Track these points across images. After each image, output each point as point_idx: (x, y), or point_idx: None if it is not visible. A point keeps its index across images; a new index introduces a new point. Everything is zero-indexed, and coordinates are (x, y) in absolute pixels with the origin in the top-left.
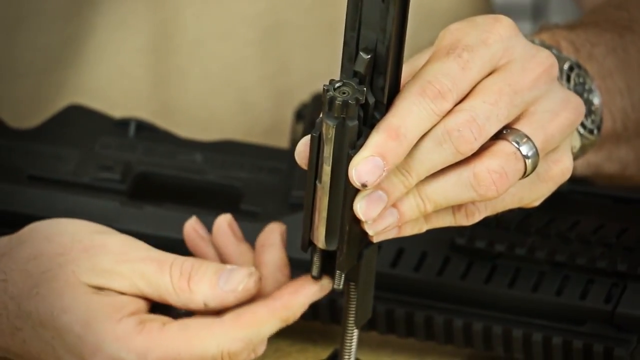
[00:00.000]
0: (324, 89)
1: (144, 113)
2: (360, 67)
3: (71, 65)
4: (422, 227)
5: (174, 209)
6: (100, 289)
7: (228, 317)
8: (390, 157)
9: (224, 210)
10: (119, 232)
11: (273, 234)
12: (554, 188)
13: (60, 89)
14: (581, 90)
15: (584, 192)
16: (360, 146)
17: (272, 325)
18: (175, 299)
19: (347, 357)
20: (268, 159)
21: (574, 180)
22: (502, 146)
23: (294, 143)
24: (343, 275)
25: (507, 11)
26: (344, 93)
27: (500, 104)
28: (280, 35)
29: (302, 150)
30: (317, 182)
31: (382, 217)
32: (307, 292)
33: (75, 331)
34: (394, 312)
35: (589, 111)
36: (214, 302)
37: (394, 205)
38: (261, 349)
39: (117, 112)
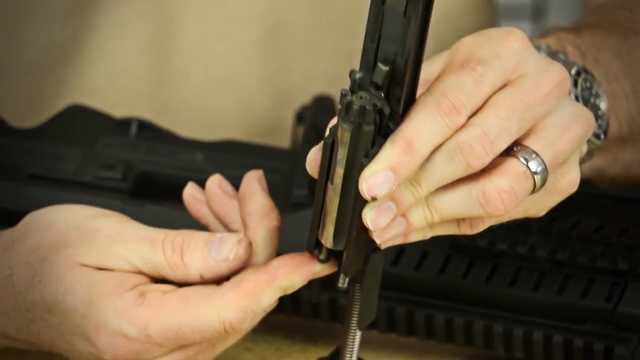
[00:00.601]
0: (341, 92)
1: (145, 112)
2: (378, 78)
3: (72, 65)
4: (426, 235)
5: (175, 208)
6: (99, 269)
7: (227, 287)
8: (402, 171)
9: None
10: (112, 212)
11: (251, 183)
12: (560, 200)
13: (61, 88)
14: (588, 95)
15: (585, 193)
16: (374, 155)
17: (272, 294)
18: (171, 274)
19: (348, 357)
20: (269, 158)
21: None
22: (512, 165)
23: (295, 144)
24: (347, 278)
25: (508, 11)
26: (361, 98)
27: (512, 119)
28: (281, 35)
29: (312, 160)
30: (328, 183)
31: (390, 226)
32: (310, 268)
33: (79, 311)
34: (394, 310)
35: (596, 116)
36: (209, 274)
37: (402, 215)
38: (268, 308)
39: (118, 111)
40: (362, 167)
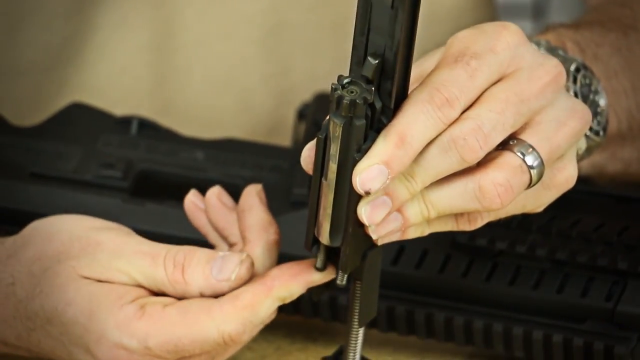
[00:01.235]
0: (332, 87)
1: (145, 111)
2: (368, 72)
3: (73, 64)
4: (424, 231)
5: (175, 206)
6: (100, 282)
7: (226, 299)
8: (395, 165)
9: None
10: (116, 225)
11: (250, 197)
12: (558, 195)
13: (62, 87)
14: (587, 91)
15: (585, 191)
16: (366, 150)
17: (270, 305)
18: (171, 290)
19: (352, 355)
20: (269, 157)
21: (577, 180)
22: (508, 158)
23: (296, 142)
24: (346, 275)
25: (508, 10)
26: (351, 92)
27: (506, 112)
28: (283, 34)
29: (307, 156)
30: (322, 179)
31: (386, 221)
32: (308, 277)
33: (80, 322)
34: (394, 309)
35: (595, 113)
36: (208, 292)
37: (398, 210)
38: (267, 320)
39: (119, 110)
40: (355, 162)
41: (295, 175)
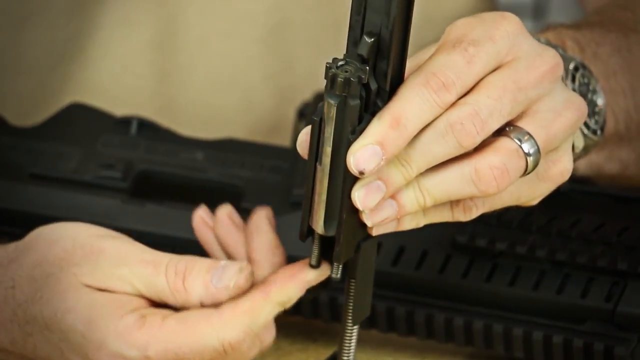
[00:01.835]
0: (326, 66)
1: (148, 110)
2: (363, 50)
3: (75, 62)
4: (420, 222)
5: (175, 207)
6: (101, 290)
7: (226, 307)
8: (390, 146)
9: None
10: (118, 234)
11: (260, 219)
12: (553, 188)
13: (64, 86)
14: (585, 90)
15: (585, 191)
16: (361, 131)
17: (269, 310)
18: (172, 300)
19: (345, 355)
20: (269, 157)
21: (575, 180)
22: (504, 143)
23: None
24: (341, 266)
25: (509, 10)
26: (346, 71)
27: (503, 99)
28: (285, 33)
29: (303, 140)
30: (317, 164)
31: (380, 207)
32: (304, 277)
33: (79, 330)
34: (394, 310)
35: (593, 112)
36: (208, 301)
37: (393, 197)
38: (268, 336)
39: (121, 109)
40: (349, 143)
41: (295, 175)
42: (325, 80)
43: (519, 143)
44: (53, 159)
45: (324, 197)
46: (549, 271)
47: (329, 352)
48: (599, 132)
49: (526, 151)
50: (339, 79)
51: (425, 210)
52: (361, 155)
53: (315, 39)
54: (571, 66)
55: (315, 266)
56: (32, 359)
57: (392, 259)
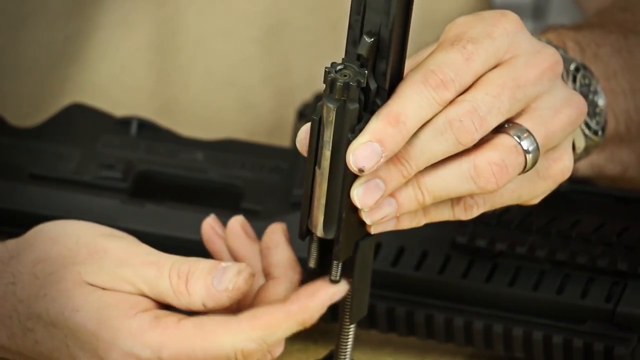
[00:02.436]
0: (325, 70)
1: (146, 111)
2: (362, 50)
3: (74, 63)
4: (420, 221)
5: (175, 207)
6: (106, 290)
7: (244, 317)
8: (389, 143)
9: (225, 208)
10: (122, 234)
11: (276, 234)
12: (553, 187)
13: (63, 87)
14: (586, 91)
15: (585, 192)
16: (360, 130)
17: (289, 327)
18: (176, 301)
19: (342, 354)
20: (269, 157)
21: (576, 181)
22: (503, 139)
23: None
24: (340, 266)
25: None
26: (345, 75)
27: (502, 97)
28: (283, 34)
29: (303, 138)
30: (316, 167)
31: (379, 206)
32: (324, 295)
33: (89, 329)
34: (394, 310)
35: (594, 112)
36: (210, 303)
37: (392, 195)
38: (278, 351)
39: (119, 109)
40: (348, 142)
41: (295, 175)
42: (324, 85)
43: (518, 140)
44: (53, 159)
45: (323, 200)
46: (549, 271)
47: (328, 352)
48: (600, 132)
49: (525, 148)
50: (338, 83)
51: (425, 209)
52: (360, 153)
53: (313, 40)
54: (572, 67)
55: (314, 267)
56: (28, 355)
57: (392, 259)
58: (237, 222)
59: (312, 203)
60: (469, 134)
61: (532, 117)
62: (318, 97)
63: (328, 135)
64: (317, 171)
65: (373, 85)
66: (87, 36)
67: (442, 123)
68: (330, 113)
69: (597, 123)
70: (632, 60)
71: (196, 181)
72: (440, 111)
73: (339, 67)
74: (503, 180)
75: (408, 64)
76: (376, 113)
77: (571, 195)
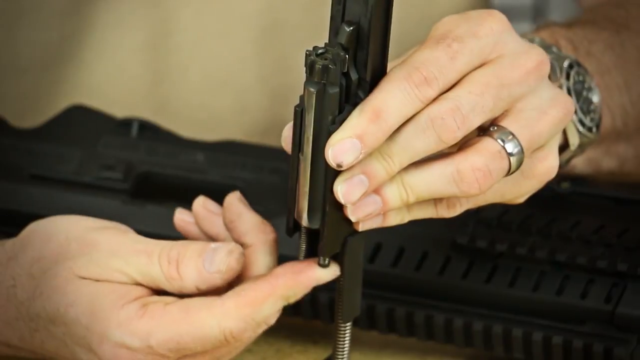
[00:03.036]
0: (306, 54)
1: (142, 111)
2: (342, 39)
3: (70, 63)
4: (404, 218)
5: (175, 208)
6: (99, 282)
7: (228, 296)
8: (369, 139)
9: None
10: (111, 223)
11: (234, 205)
12: (539, 186)
13: (59, 87)
14: (580, 88)
15: (585, 193)
16: (341, 122)
17: (274, 303)
18: (169, 287)
19: (340, 355)
20: (269, 159)
21: (574, 177)
22: (487, 144)
23: None
24: (327, 260)
25: (506, 12)
26: (325, 59)
27: (486, 95)
28: (279, 34)
29: (287, 136)
30: (299, 154)
31: (364, 203)
32: (312, 274)
33: (82, 323)
34: (394, 311)
35: (588, 109)
36: (203, 285)
37: (377, 193)
38: (271, 320)
39: (116, 109)
40: (329, 134)
41: None
42: (305, 65)
43: (502, 144)
44: (54, 160)
45: (306, 188)
46: (548, 272)
47: (329, 353)
48: (594, 129)
49: (509, 151)
50: (317, 65)
51: (409, 206)
52: (339, 148)
53: (308, 40)
54: (565, 64)
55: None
56: (41, 353)
57: (392, 260)
58: (199, 203)
59: (298, 192)
60: (451, 132)
61: (517, 119)
62: None
63: (309, 119)
64: (301, 157)
65: (354, 76)
66: (83, 36)
67: (424, 120)
68: (310, 96)
69: (592, 120)
70: (625, 55)
71: (196, 182)
72: (423, 108)
73: (319, 51)
74: (486, 185)
75: (396, 62)
76: (358, 107)
77: (571, 196)
